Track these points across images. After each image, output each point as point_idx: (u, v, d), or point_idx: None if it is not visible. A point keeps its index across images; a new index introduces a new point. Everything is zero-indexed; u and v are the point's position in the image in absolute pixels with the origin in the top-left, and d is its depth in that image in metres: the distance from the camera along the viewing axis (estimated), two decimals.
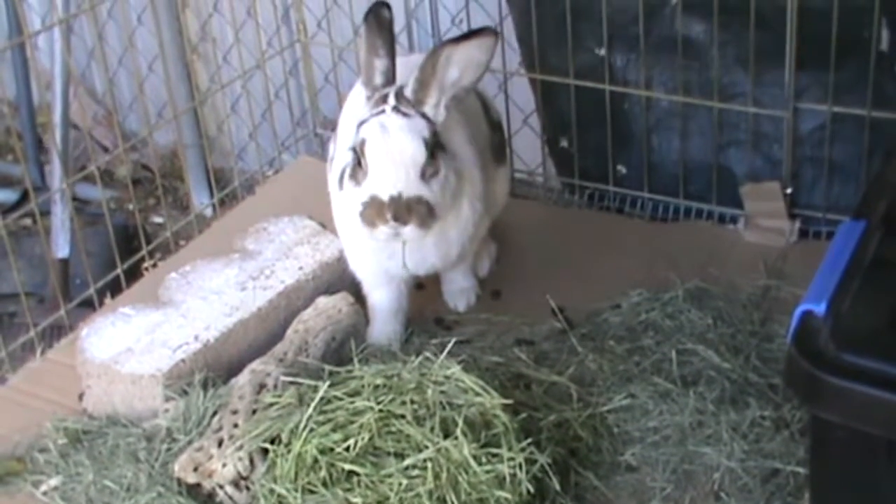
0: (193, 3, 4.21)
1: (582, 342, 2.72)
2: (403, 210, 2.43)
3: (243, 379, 2.54)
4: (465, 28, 3.52)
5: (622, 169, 3.38)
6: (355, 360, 2.43)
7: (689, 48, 3.12)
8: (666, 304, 2.81)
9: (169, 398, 2.58)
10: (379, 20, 2.58)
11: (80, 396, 2.69)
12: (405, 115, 2.48)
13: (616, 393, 2.56)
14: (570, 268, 3.05)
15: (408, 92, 2.51)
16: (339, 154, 2.70)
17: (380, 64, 2.55)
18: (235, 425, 2.41)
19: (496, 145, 2.91)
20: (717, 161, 3.22)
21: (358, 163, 2.48)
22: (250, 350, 2.71)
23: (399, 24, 3.74)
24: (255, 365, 2.57)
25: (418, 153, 2.45)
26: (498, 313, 2.89)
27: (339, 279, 2.90)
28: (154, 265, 3.33)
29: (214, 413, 2.51)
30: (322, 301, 2.77)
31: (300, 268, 2.89)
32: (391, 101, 2.50)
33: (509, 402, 2.30)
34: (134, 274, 3.31)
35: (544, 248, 3.15)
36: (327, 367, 2.41)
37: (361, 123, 2.50)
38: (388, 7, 2.61)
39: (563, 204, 3.47)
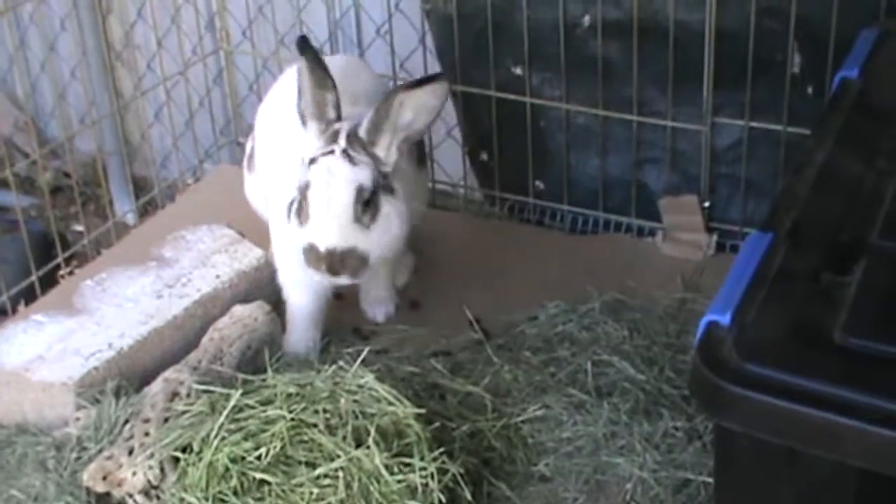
0: (117, 9, 4.16)
1: (498, 353, 2.74)
2: (337, 263, 2.49)
3: (156, 387, 2.51)
4: (388, 39, 3.54)
5: (540, 184, 3.41)
6: (269, 368, 2.42)
7: (604, 68, 3.16)
8: (583, 315, 2.84)
9: (80, 406, 2.55)
10: (315, 53, 2.56)
11: None
12: (352, 161, 2.49)
13: (531, 403, 2.57)
14: (489, 279, 3.07)
15: (361, 132, 2.51)
16: (261, 149, 2.79)
17: (331, 98, 2.54)
18: (147, 433, 2.38)
19: (417, 149, 2.91)
20: (634, 176, 3.26)
21: (301, 203, 2.51)
22: (165, 358, 2.68)
23: (323, 34, 3.76)
24: (169, 373, 2.54)
25: (357, 206, 2.48)
26: (416, 324, 2.90)
27: (256, 288, 2.89)
28: (70, 273, 3.29)
29: (126, 421, 2.48)
30: (238, 309, 2.75)
31: (217, 276, 2.87)
32: (342, 141, 2.50)
33: (422, 411, 2.31)
34: (51, 282, 3.28)
35: (464, 260, 3.17)
36: (240, 376, 2.40)
37: (312, 162, 2.50)
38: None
39: (484, 216, 3.48)
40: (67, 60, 4.30)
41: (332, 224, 2.48)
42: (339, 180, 2.48)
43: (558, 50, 3.17)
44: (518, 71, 3.24)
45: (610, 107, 3.18)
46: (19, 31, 4.43)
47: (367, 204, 2.49)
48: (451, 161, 3.64)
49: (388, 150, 2.52)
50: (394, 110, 2.50)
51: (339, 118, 2.54)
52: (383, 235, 2.53)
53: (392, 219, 2.53)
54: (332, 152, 2.49)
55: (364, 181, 2.48)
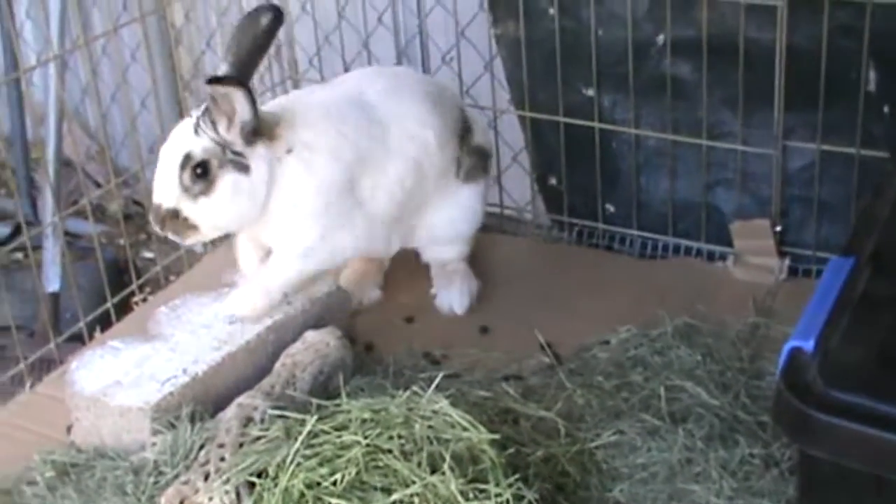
0: (186, 40, 4.23)
1: (570, 377, 2.72)
2: (160, 220, 2.64)
3: (230, 412, 2.53)
4: (454, 66, 3.55)
5: (610, 207, 3.40)
6: (343, 393, 2.43)
7: (676, 88, 3.15)
8: (654, 340, 2.81)
9: (156, 431, 2.57)
10: (250, 21, 2.64)
11: (69, 429, 2.68)
12: (196, 130, 2.60)
13: (604, 429, 2.55)
14: (558, 304, 3.06)
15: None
16: None
17: (222, 67, 2.62)
18: (222, 459, 2.39)
19: (468, 166, 2.96)
20: (705, 199, 3.24)
21: None
22: (238, 384, 2.70)
23: (390, 61, 3.79)
24: (243, 399, 2.56)
25: (183, 173, 2.59)
26: (486, 348, 2.89)
27: (327, 314, 2.90)
28: (144, 299, 3.34)
29: (202, 446, 2.50)
30: (310, 335, 2.77)
31: (289, 302, 2.88)
32: (199, 110, 2.62)
33: (497, 437, 2.29)
34: (124, 308, 3.32)
35: (533, 284, 3.16)
36: (315, 401, 2.41)
37: None
38: (276, 13, 2.66)
39: (552, 240, 3.48)
40: (138, 90, 4.37)
41: (158, 182, 2.63)
42: (171, 144, 2.63)
43: (630, 71, 3.17)
44: (589, 92, 3.24)
45: (681, 129, 3.16)
46: (92, 63, 4.51)
47: (198, 174, 2.58)
48: (517, 186, 3.65)
49: (228, 132, 2.58)
50: (217, 100, 2.57)
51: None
52: (217, 208, 2.62)
53: (233, 195, 2.62)
54: (189, 117, 2.62)
55: (195, 151, 2.58)
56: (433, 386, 2.37)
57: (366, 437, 2.27)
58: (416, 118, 2.84)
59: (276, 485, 2.25)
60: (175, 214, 2.62)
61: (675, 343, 2.79)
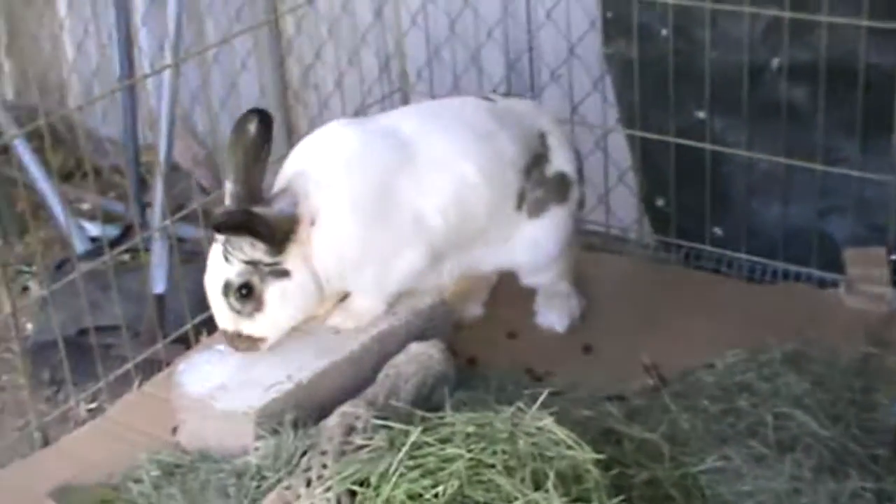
0: (296, 49, 4.27)
1: (675, 400, 2.67)
2: (230, 341, 2.72)
3: (333, 421, 2.53)
4: (562, 83, 3.54)
5: (718, 230, 3.36)
6: (447, 406, 2.42)
7: (790, 112, 3.10)
8: (762, 365, 2.75)
9: (260, 436, 2.59)
10: (239, 134, 2.61)
11: (174, 430, 2.72)
12: (226, 257, 2.64)
13: (709, 454, 2.49)
14: (663, 325, 3.02)
15: None
16: None
17: (228, 187, 2.61)
18: (324, 466, 2.40)
19: (537, 199, 2.88)
20: (818, 226, 3.18)
21: None
22: (341, 393, 2.71)
23: (497, 76, 3.79)
24: (346, 407, 2.56)
25: (230, 299, 2.65)
26: (589, 367, 2.87)
27: (432, 326, 2.90)
28: None
29: (304, 453, 2.51)
30: (414, 347, 2.77)
31: (394, 313, 2.89)
32: (222, 238, 2.64)
33: (602, 456, 2.27)
34: None
35: (638, 304, 3.13)
36: (419, 413, 2.41)
37: None
38: (262, 117, 2.61)
39: (658, 261, 3.44)
40: (247, 98, 4.43)
41: (214, 310, 2.71)
42: (210, 274, 2.69)
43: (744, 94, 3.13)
44: (700, 115, 3.21)
45: (795, 153, 3.12)
46: (202, 71, 4.59)
47: (244, 296, 2.64)
48: (622, 205, 3.63)
49: (254, 250, 2.61)
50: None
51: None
52: (273, 319, 2.68)
53: (285, 301, 2.67)
54: (216, 241, 2.66)
55: (232, 278, 2.64)
56: (538, 402, 2.35)
57: (469, 451, 2.25)
58: (452, 151, 2.77)
59: (377, 494, 2.25)
60: (239, 334, 2.69)
61: (783, 370, 2.73)
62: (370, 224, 2.71)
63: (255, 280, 2.63)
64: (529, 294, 3.08)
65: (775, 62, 3.09)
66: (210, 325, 3.23)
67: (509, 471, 2.23)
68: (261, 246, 2.61)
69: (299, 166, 2.72)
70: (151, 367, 3.19)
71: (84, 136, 4.25)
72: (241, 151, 2.59)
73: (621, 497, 2.22)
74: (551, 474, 2.19)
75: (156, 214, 4.03)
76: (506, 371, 2.85)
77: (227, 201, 2.62)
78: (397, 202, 2.71)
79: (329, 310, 2.86)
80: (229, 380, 2.71)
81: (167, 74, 3.91)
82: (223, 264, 2.64)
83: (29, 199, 4.28)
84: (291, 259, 2.65)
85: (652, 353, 2.86)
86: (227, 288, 2.64)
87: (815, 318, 2.98)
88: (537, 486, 2.19)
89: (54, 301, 3.79)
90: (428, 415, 2.39)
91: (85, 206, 4.94)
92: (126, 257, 4.41)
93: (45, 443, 2.94)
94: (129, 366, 3.10)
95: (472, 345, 2.97)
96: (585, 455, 2.26)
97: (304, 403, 2.67)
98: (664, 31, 3.18)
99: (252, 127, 2.59)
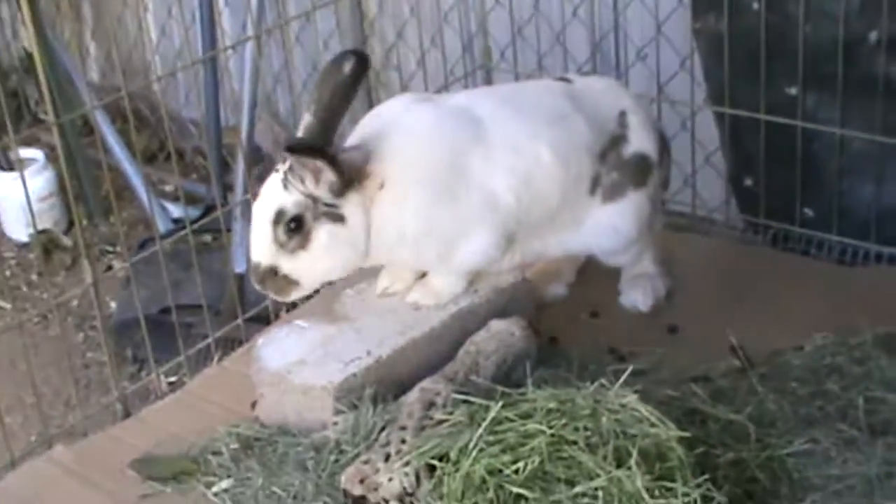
0: (378, 30, 4.26)
1: (761, 382, 2.61)
2: (259, 279, 2.60)
3: (413, 396, 2.52)
4: (650, 63, 3.48)
5: (809, 211, 3.28)
6: (528, 383, 2.38)
7: (887, 88, 3.01)
8: (853, 349, 2.68)
9: (338, 411, 2.58)
10: (332, 70, 2.54)
11: (253, 404, 2.71)
12: (285, 185, 2.54)
13: (797, 436, 2.43)
14: (750, 307, 2.95)
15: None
16: None
17: (306, 119, 2.54)
18: (403, 441, 2.39)
19: (612, 183, 2.80)
20: None
21: None
22: (420, 369, 2.69)
23: (582, 56, 3.74)
24: (426, 383, 2.54)
25: (277, 229, 2.54)
26: (673, 348, 2.81)
27: (512, 305, 2.87)
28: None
29: (383, 428, 2.50)
30: (495, 324, 2.74)
31: (475, 291, 2.86)
32: (285, 164, 2.55)
33: (687, 434, 2.22)
34: None
35: (724, 286, 3.06)
36: (499, 388, 2.37)
37: None
38: (360, 59, 2.55)
39: (746, 243, 3.37)
40: None
41: (254, 240, 2.58)
42: (263, 200, 2.57)
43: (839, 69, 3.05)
44: (792, 91, 3.12)
45: (891, 131, 3.03)
46: (284, 52, 4.59)
47: (293, 229, 2.53)
48: (708, 186, 3.56)
49: (316, 187, 2.52)
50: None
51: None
52: (316, 262, 2.57)
53: (330, 246, 2.57)
54: (276, 170, 2.56)
55: (287, 206, 2.53)
56: (621, 379, 2.31)
57: (550, 427, 2.22)
58: (525, 131, 2.70)
59: (457, 469, 2.22)
60: (273, 272, 2.58)
61: (874, 353, 2.66)
62: (437, 202, 2.64)
63: (309, 216, 2.54)
64: (613, 273, 3.03)
65: (873, 36, 2.99)
66: (290, 303, 3.24)
67: (591, 448, 2.19)
68: (326, 180, 2.52)
69: (376, 128, 2.67)
70: (231, 345, 3.21)
71: (167, 118, 4.27)
72: (328, 88, 2.52)
73: (706, 476, 2.17)
74: (634, 452, 2.15)
75: (237, 195, 4.05)
76: (588, 350, 2.80)
77: (300, 133, 2.55)
78: (467, 182, 2.65)
79: (408, 285, 2.83)
80: (308, 355, 2.69)
81: (249, 53, 3.92)
82: (280, 191, 2.55)
83: (113, 180, 4.34)
84: (351, 206, 2.57)
85: (738, 334, 2.79)
86: (279, 216, 2.54)
87: None
88: (619, 464, 2.15)
89: (137, 281, 3.84)
90: (509, 391, 2.35)
91: (168, 188, 4.99)
92: (208, 238, 4.45)
93: (127, 415, 2.97)
94: (209, 341, 3.12)
95: (554, 323, 2.93)
96: (669, 432, 2.22)
97: (384, 379, 2.66)
98: (755, 5, 3.10)
99: (347, 67, 2.52)
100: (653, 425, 2.23)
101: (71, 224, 4.87)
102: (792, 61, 3.08)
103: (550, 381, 2.59)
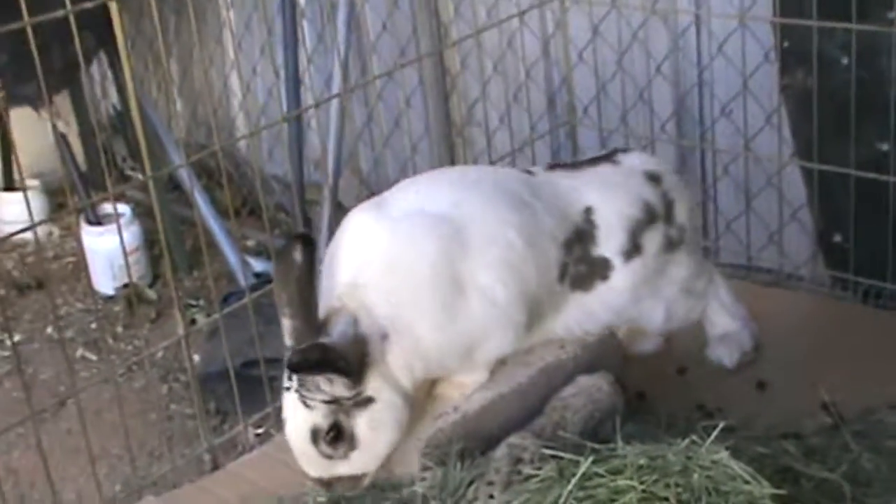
0: (461, 85, 4.30)
1: (855, 439, 2.56)
2: (330, 488, 2.48)
3: (500, 452, 2.50)
4: (735, 118, 3.47)
5: None
6: (618, 437, 2.36)
7: None
8: None
9: (426, 467, 2.57)
10: (286, 266, 2.37)
11: None
12: (306, 403, 2.41)
13: (894, 496, 2.39)
14: (840, 363, 2.90)
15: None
16: None
17: (287, 324, 2.39)
18: (491, 496, 2.37)
19: (577, 274, 2.70)
20: None
21: None
22: (507, 425, 2.66)
23: (666, 112, 3.73)
24: (513, 439, 2.53)
25: (320, 446, 2.42)
26: (763, 404, 2.78)
27: (599, 360, 2.85)
28: None
29: (470, 483, 2.48)
30: (583, 380, 2.72)
31: (561, 346, 2.84)
32: (294, 383, 2.42)
33: (781, 492, 2.18)
34: None
35: (814, 342, 3.03)
36: (589, 444, 2.35)
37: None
38: (307, 243, 2.39)
39: (835, 299, 3.33)
40: (410, 136, 4.47)
41: (304, 463, 2.46)
42: (293, 427, 2.44)
43: None
44: (883, 147, 3.10)
45: None
46: (367, 108, 4.65)
47: (334, 439, 2.41)
48: (794, 244, 3.53)
49: (333, 387, 2.39)
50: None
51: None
52: (372, 450, 2.45)
53: (378, 429, 2.45)
54: (288, 389, 2.44)
55: (318, 422, 2.41)
56: (713, 435, 2.28)
57: (642, 483, 2.19)
58: (493, 218, 2.57)
59: None
60: (338, 478, 2.47)
61: None
62: (444, 326, 2.52)
63: (342, 418, 2.41)
64: (700, 329, 3.00)
65: None
66: None
67: None
68: (340, 381, 2.38)
69: (344, 277, 2.49)
70: None
71: (250, 174, 4.33)
72: (293, 283, 2.36)
73: None
74: None
75: (321, 249, 4.09)
76: (676, 406, 2.78)
77: (288, 340, 2.40)
78: (462, 291, 2.51)
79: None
80: None
81: (334, 111, 3.98)
82: (303, 411, 2.42)
83: (197, 236, 4.40)
84: (371, 383, 2.43)
85: (830, 391, 2.75)
86: (315, 435, 2.42)
87: None
88: None
89: (220, 335, 3.87)
90: (598, 446, 2.33)
91: (250, 243, 5.05)
92: None
93: (215, 467, 2.99)
94: None
95: (640, 380, 2.91)
96: (763, 490, 2.18)
97: (471, 435, 2.64)
98: (845, 60, 3.08)
99: (297, 255, 2.36)
100: (746, 482, 2.19)
101: (155, 278, 4.94)
102: (882, 117, 3.06)
103: (639, 436, 2.55)
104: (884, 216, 3.15)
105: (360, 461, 2.46)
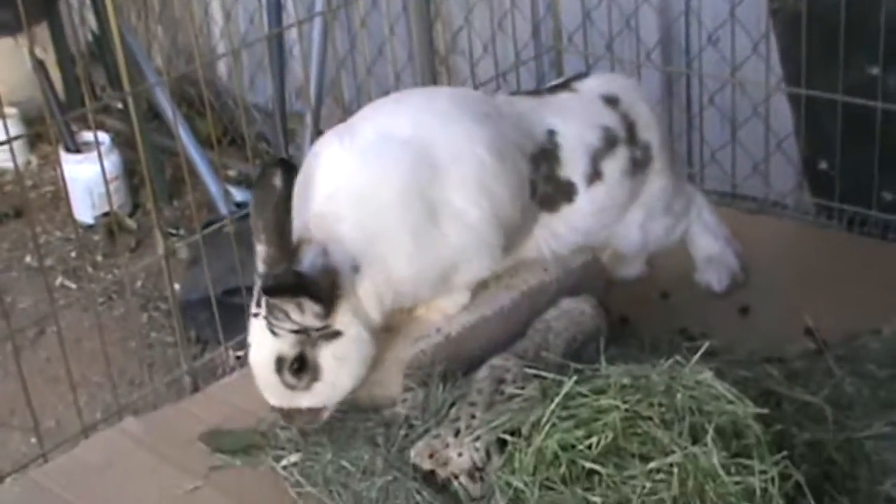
0: (445, 13, 4.24)
1: (838, 364, 2.57)
2: (288, 419, 2.46)
3: (482, 373, 2.50)
4: (722, 47, 3.43)
5: (886, 195, 3.22)
6: (602, 358, 2.35)
7: None
8: None
9: (408, 388, 2.56)
10: (265, 191, 2.29)
11: None
12: (272, 329, 2.35)
13: (876, 419, 2.39)
14: (825, 290, 2.90)
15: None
16: None
17: (261, 250, 2.30)
18: (473, 416, 2.37)
19: (545, 193, 2.65)
20: None
21: None
22: (490, 347, 2.66)
23: (652, 40, 3.70)
24: (495, 360, 2.53)
25: (283, 375, 2.38)
26: (746, 329, 2.77)
27: (582, 283, 2.84)
28: None
29: (452, 404, 2.48)
30: (566, 302, 2.71)
31: (545, 269, 2.83)
32: (263, 307, 2.35)
33: (764, 411, 2.18)
34: None
35: (798, 269, 3.02)
36: (572, 364, 2.34)
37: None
38: (288, 169, 2.30)
39: (820, 226, 3.32)
40: (395, 64, 4.42)
41: (265, 391, 2.42)
42: (257, 353, 2.40)
43: None
44: (873, 71, 3.07)
45: None
46: (350, 35, 4.60)
47: (298, 370, 2.37)
48: (779, 174, 3.51)
49: (302, 316, 2.34)
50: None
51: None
52: (334, 385, 2.42)
53: (343, 363, 2.40)
54: (256, 315, 2.39)
55: (284, 351, 2.36)
56: (696, 356, 2.27)
57: (625, 403, 2.19)
58: (459, 136, 2.51)
59: (528, 444, 2.20)
60: (297, 410, 2.43)
61: None
62: (418, 256, 2.47)
63: (308, 349, 2.38)
64: (684, 254, 2.99)
65: None
66: None
67: (666, 424, 2.16)
68: (311, 310, 2.34)
69: (313, 207, 2.42)
70: None
71: (231, 104, 4.29)
72: (270, 209, 2.27)
73: (783, 453, 2.12)
74: (710, 428, 2.11)
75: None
76: (659, 331, 2.77)
77: (261, 265, 2.31)
78: (434, 214, 2.46)
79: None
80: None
81: (316, 32, 3.92)
82: (270, 339, 2.37)
83: (177, 165, 4.36)
84: (341, 317, 2.39)
85: (813, 317, 2.74)
86: (279, 364, 2.37)
87: None
88: (695, 440, 2.11)
89: (200, 263, 3.85)
90: (581, 366, 2.33)
91: (231, 173, 5.01)
92: None
93: (196, 389, 2.98)
94: None
95: (623, 304, 2.90)
96: (747, 410, 2.18)
97: (453, 357, 2.63)
98: None
99: (277, 181, 2.28)
100: (729, 402, 2.20)
101: (135, 207, 4.91)
102: (874, 40, 3.02)
103: (622, 359, 2.54)
104: (870, 143, 3.13)
105: (322, 394, 2.42)
